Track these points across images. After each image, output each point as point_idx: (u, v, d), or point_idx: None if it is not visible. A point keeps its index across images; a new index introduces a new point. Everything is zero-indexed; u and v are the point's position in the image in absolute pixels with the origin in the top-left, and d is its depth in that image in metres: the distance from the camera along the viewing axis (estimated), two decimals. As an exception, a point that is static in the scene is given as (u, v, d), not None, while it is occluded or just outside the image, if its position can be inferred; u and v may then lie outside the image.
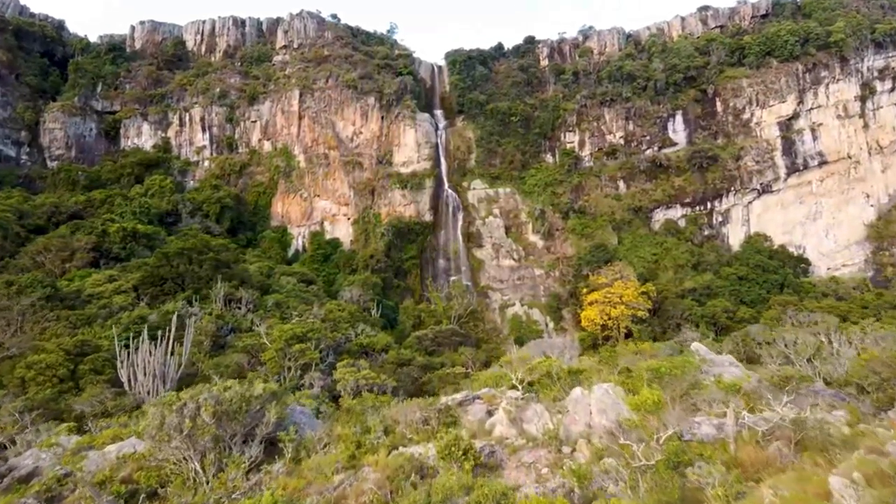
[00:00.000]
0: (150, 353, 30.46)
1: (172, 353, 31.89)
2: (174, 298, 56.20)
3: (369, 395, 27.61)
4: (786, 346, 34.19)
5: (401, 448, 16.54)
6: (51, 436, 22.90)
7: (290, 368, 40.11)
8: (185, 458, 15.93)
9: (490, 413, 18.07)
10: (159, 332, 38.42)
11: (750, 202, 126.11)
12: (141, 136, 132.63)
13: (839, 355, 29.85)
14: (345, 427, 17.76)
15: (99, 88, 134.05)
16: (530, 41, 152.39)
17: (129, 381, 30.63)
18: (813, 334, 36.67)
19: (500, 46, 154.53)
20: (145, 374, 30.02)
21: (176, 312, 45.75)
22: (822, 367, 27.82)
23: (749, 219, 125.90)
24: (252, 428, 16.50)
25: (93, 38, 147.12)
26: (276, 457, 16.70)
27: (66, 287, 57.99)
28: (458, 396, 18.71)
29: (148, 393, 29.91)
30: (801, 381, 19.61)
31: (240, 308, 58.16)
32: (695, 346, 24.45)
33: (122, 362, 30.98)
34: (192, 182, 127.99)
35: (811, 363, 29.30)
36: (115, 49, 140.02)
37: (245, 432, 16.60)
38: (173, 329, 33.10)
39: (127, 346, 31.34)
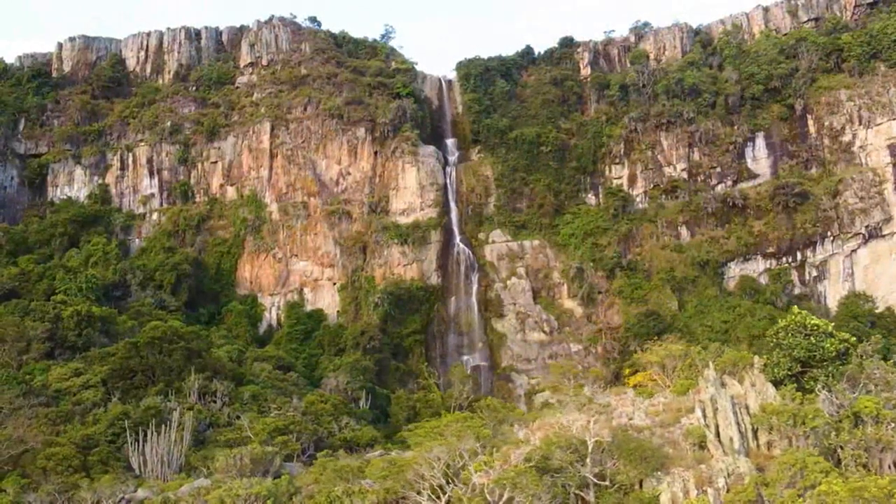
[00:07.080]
0: (157, 443, 54.18)
1: (175, 443, 55.67)
2: (146, 392, 79.96)
3: None
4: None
5: None
6: None
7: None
8: None
9: None
10: (140, 429, 62.09)
11: (853, 251, 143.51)
12: (73, 184, 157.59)
13: None
14: None
15: (21, 126, 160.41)
16: (567, 44, 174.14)
17: (140, 466, 54.34)
18: None
19: (528, 51, 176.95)
20: (155, 460, 53.67)
21: (157, 408, 70.06)
22: None
23: (854, 272, 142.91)
24: None
25: (10, 59, 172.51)
26: None
27: (34, 381, 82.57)
28: None
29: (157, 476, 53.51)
30: None
31: (215, 402, 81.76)
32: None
33: (133, 451, 54.80)
34: (137, 241, 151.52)
35: None
36: (39, 75, 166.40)
37: None
38: (175, 423, 56.90)
39: (138, 438, 55.16)
